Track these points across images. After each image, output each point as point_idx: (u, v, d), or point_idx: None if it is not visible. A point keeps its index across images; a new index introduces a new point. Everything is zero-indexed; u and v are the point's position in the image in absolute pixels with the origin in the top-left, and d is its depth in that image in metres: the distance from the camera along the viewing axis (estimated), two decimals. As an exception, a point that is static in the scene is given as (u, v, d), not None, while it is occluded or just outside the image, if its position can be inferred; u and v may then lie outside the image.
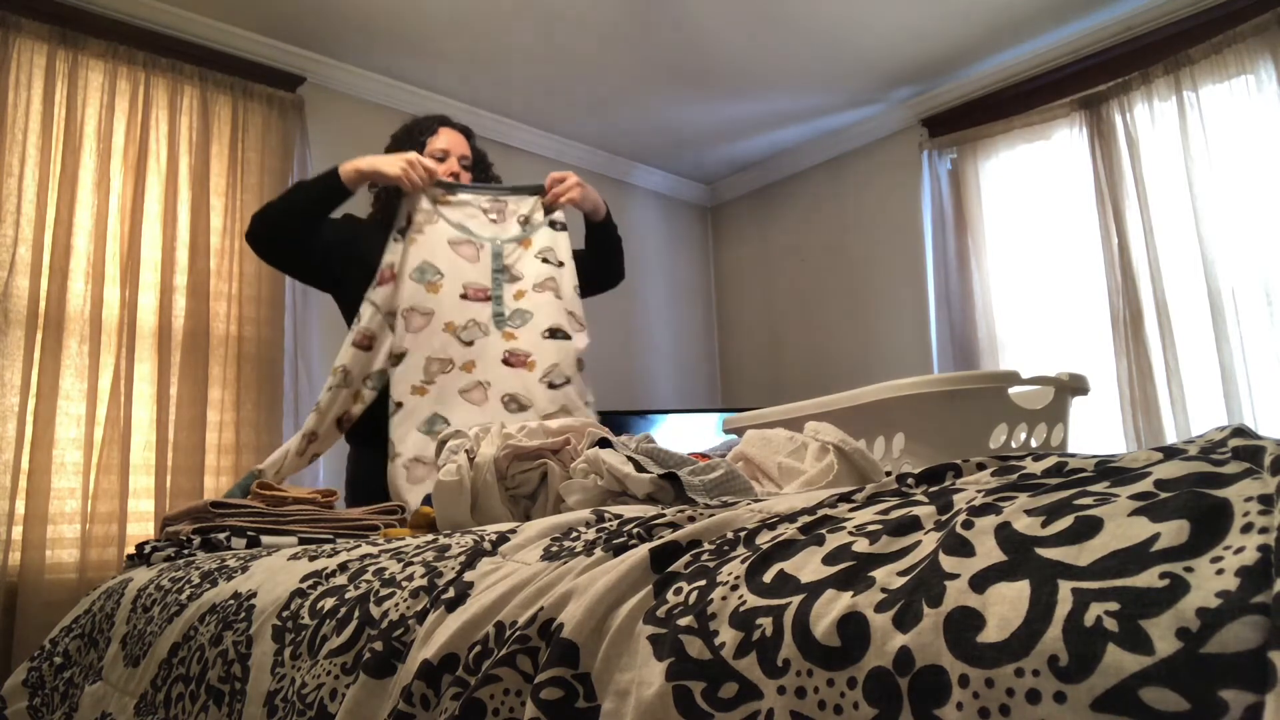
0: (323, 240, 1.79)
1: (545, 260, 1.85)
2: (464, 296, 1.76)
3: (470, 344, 1.74)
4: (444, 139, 1.92)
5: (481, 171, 1.98)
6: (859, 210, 3.87)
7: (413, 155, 1.75)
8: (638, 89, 3.44)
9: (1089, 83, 3.11)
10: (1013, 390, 1.15)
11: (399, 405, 1.68)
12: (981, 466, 0.49)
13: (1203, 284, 2.77)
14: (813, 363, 3.99)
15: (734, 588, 0.42)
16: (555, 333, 1.82)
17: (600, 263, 1.99)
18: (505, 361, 1.76)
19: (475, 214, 1.83)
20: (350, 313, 1.80)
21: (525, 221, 1.87)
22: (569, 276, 1.86)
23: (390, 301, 1.72)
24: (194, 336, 2.63)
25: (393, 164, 1.72)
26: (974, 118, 3.43)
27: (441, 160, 1.89)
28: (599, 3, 2.85)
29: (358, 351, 1.70)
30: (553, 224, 1.88)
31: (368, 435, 1.77)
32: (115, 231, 2.56)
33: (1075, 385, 1.22)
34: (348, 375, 1.70)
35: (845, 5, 2.92)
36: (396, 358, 1.70)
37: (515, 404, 1.75)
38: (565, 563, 0.55)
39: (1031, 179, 3.29)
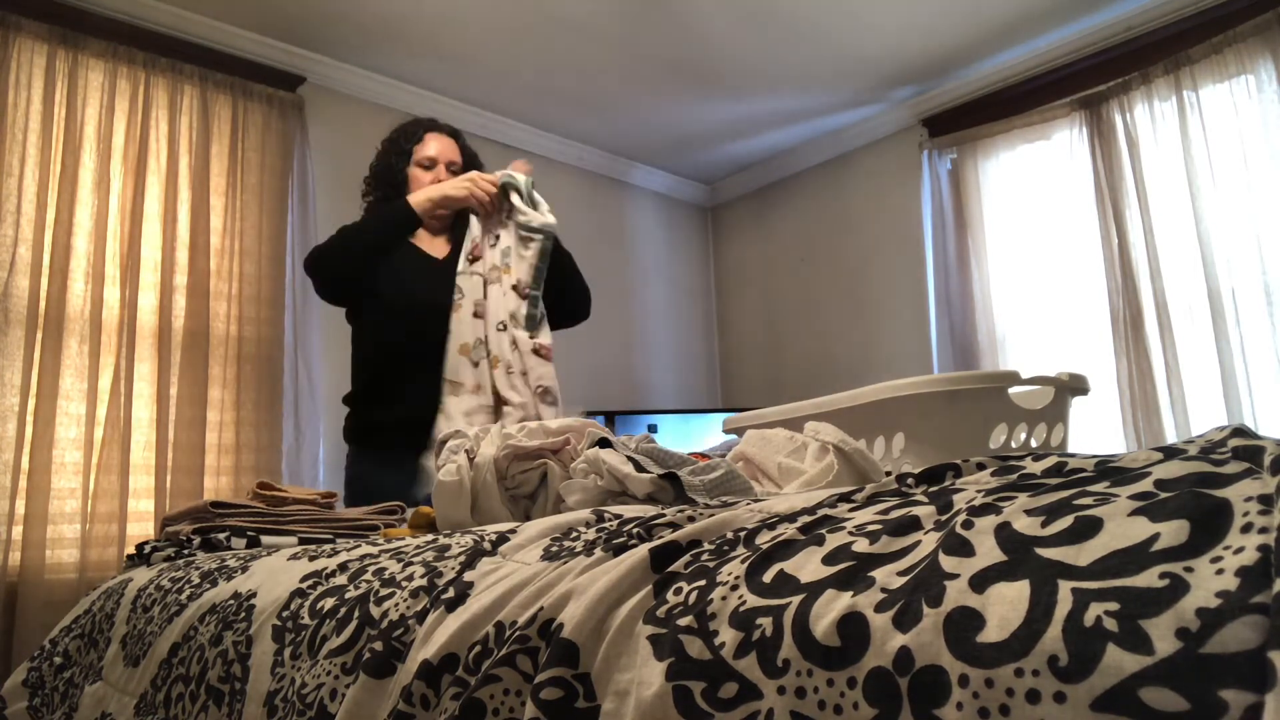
0: None
1: (475, 272, 1.78)
2: (476, 315, 1.75)
3: (476, 365, 1.73)
4: (431, 145, 1.89)
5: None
6: (859, 210, 3.87)
7: (474, 174, 1.80)
8: (638, 89, 3.44)
9: (1089, 83, 3.11)
10: (1013, 390, 1.15)
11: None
12: (981, 466, 0.49)
13: (1203, 284, 2.77)
14: (813, 363, 3.98)
15: (734, 588, 0.42)
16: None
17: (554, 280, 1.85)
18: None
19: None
20: (361, 328, 1.83)
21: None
22: (499, 303, 1.76)
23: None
24: (194, 336, 2.63)
25: (458, 186, 1.78)
26: (974, 118, 3.43)
27: (429, 169, 1.87)
28: (599, 2, 2.85)
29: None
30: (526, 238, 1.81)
31: (367, 435, 1.77)
32: (115, 231, 2.56)
33: (1075, 385, 1.22)
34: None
35: (845, 5, 2.92)
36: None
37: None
38: (565, 563, 0.55)
39: (1031, 179, 3.29)
